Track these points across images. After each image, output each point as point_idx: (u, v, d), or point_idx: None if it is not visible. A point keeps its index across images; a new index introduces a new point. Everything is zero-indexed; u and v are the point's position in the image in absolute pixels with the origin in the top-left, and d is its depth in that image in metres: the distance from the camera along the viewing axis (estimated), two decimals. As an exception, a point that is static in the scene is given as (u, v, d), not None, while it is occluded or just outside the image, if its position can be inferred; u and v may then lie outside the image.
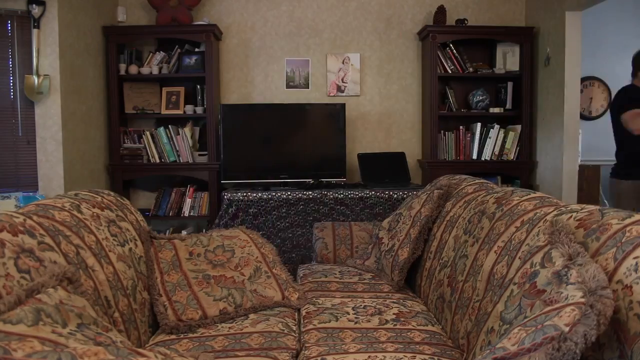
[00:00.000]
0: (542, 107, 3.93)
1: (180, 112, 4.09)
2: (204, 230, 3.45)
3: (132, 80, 4.07)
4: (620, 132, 3.15)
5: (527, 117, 4.08)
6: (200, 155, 4.09)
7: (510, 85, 4.24)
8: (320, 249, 2.76)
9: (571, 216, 1.28)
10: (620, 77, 4.67)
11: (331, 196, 3.65)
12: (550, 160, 3.82)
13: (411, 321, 1.82)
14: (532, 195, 1.65)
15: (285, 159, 4.03)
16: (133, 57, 4.08)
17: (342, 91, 4.35)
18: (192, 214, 4.08)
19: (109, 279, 1.56)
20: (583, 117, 4.48)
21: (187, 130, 4.04)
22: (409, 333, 1.72)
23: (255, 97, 4.34)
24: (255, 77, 4.34)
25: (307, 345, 1.65)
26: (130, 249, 1.81)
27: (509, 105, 4.21)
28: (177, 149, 4.03)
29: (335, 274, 2.40)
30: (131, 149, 4.01)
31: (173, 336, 1.75)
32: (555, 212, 1.39)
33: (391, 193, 3.63)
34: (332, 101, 4.31)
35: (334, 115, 4.07)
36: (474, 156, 4.21)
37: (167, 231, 4.05)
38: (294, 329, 1.82)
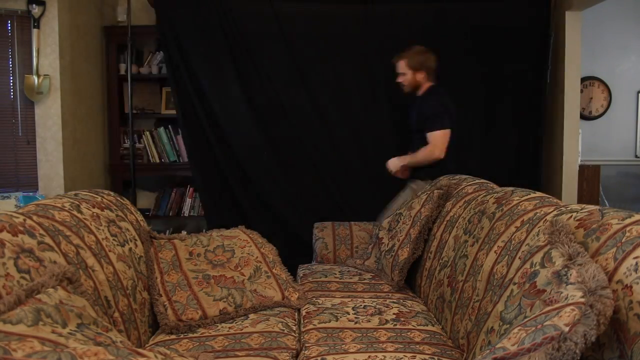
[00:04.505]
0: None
1: (180, 112, 4.08)
2: (204, 230, 3.45)
3: (132, 80, 4.06)
4: None
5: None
6: (200, 155, 4.08)
7: (510, 85, 4.22)
8: (320, 249, 2.76)
9: (571, 216, 1.28)
10: (620, 77, 4.67)
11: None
12: (551, 160, 3.82)
13: (411, 321, 1.82)
14: (532, 195, 1.65)
15: None
16: (133, 57, 4.07)
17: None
18: (192, 214, 4.07)
19: (108, 279, 1.56)
20: (583, 117, 4.47)
21: (187, 130, 4.03)
22: (409, 333, 1.72)
23: (255, 97, 4.33)
24: (255, 77, 4.33)
25: (307, 345, 1.65)
26: (130, 249, 1.81)
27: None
28: (177, 149, 4.02)
29: (335, 274, 2.40)
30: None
31: (173, 336, 1.75)
32: (555, 212, 1.39)
33: None
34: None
35: None
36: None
37: (167, 231, 4.05)
38: (294, 329, 1.82)
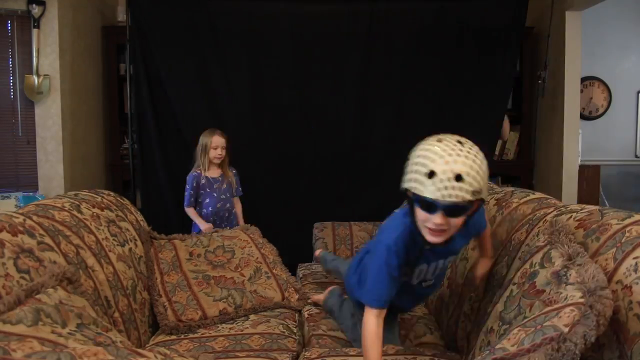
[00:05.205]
0: (542, 107, 3.92)
1: (180, 112, 4.07)
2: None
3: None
4: None
5: (527, 117, 4.08)
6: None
7: (510, 85, 4.22)
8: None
9: (571, 216, 1.28)
10: (620, 77, 4.67)
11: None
12: (550, 160, 3.82)
13: (410, 332, 1.82)
14: (532, 196, 1.65)
15: None
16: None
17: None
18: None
19: (108, 279, 1.56)
20: (583, 117, 4.46)
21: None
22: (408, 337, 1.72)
23: (255, 97, 4.32)
24: (255, 77, 4.32)
25: (307, 346, 1.65)
26: (130, 249, 1.81)
27: (509, 105, 4.20)
28: (177, 149, 4.01)
29: (335, 274, 2.39)
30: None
31: (173, 336, 1.75)
32: (555, 213, 1.38)
33: None
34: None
35: None
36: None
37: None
38: (295, 331, 1.82)
